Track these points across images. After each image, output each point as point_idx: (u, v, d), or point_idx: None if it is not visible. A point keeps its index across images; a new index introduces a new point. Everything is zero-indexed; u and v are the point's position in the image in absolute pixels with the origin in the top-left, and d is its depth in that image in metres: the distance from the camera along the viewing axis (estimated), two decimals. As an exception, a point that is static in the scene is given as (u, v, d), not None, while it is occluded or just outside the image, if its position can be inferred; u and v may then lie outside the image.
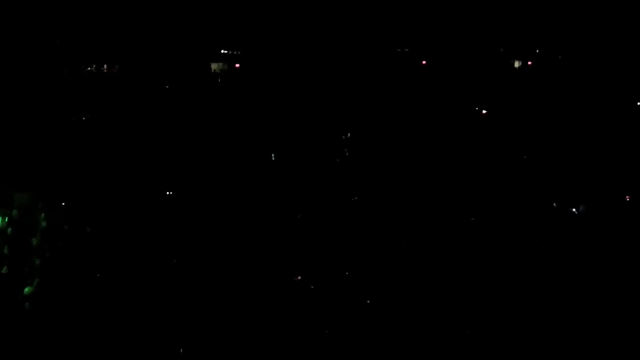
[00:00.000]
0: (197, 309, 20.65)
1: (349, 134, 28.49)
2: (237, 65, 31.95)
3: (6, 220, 26.69)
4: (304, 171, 27.71)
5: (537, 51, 29.29)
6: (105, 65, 31.19)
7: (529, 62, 29.54)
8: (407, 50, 29.77)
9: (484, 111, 28.15)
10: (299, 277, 21.81)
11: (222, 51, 31.49)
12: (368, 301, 20.70)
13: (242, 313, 20.57)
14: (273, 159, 28.64)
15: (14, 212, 27.05)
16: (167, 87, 30.93)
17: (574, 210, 25.45)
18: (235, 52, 31.69)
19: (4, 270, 23.06)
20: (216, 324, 20.21)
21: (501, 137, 27.48)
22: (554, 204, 25.45)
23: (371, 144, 27.99)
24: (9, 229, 25.90)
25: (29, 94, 29.57)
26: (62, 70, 29.98)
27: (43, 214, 26.52)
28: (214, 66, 31.95)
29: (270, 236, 23.90)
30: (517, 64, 29.56)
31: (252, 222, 24.93)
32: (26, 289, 21.38)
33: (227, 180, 27.79)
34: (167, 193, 27.49)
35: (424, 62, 29.72)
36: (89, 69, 31.33)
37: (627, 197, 24.88)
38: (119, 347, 18.71)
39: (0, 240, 24.98)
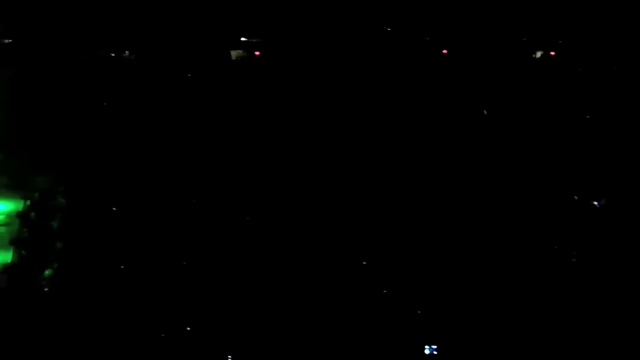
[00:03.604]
0: (209, 292, 20.80)
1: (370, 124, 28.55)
2: (257, 52, 32.09)
3: (28, 203, 27.24)
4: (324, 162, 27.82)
5: (560, 42, 29.25)
6: (126, 52, 31.54)
7: (552, 53, 29.48)
8: (428, 39, 29.80)
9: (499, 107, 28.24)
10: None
11: (242, 39, 31.67)
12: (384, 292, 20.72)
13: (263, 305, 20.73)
14: (291, 148, 28.77)
15: (35, 195, 27.57)
16: (188, 75, 31.24)
17: (595, 203, 25.54)
18: (255, 40, 31.83)
19: (27, 253, 23.42)
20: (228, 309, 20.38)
21: (526, 132, 27.56)
22: (575, 197, 25.54)
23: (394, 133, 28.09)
24: (31, 213, 26.42)
25: (49, 80, 30.00)
26: (82, 56, 30.36)
27: (63, 198, 27.00)
28: (234, 53, 32.14)
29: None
30: (538, 54, 29.49)
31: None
32: (46, 272, 21.68)
33: (244, 168, 27.99)
34: (185, 179, 27.76)
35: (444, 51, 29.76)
36: (111, 54, 31.69)
37: None
38: (133, 331, 18.98)
39: (22, 223, 25.49)
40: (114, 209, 25.32)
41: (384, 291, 21.12)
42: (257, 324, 19.99)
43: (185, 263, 21.89)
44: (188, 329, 19.25)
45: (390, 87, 29.06)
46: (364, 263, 22.25)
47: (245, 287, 21.09)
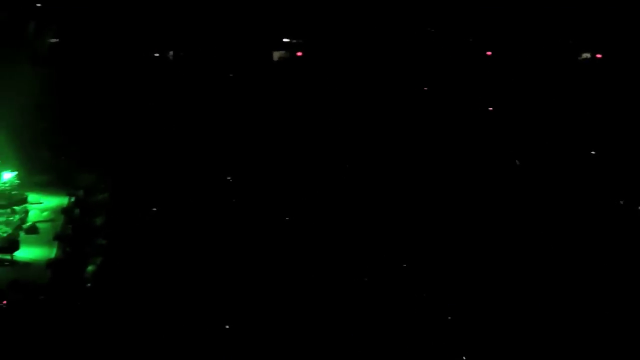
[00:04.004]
0: (249, 290, 20.87)
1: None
2: (299, 53, 32.25)
3: (72, 200, 27.67)
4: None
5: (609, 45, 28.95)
6: (170, 53, 31.95)
7: (598, 55, 29.18)
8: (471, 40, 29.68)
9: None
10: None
11: (285, 39, 31.86)
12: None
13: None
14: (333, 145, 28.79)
15: (80, 192, 27.99)
16: (230, 75, 31.52)
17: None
18: (297, 41, 31.98)
19: (70, 248, 23.71)
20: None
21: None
22: (621, 202, 25.34)
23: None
24: (75, 209, 26.83)
25: (94, 79, 30.47)
26: (128, 57, 30.79)
27: (107, 195, 27.36)
28: (277, 54, 32.32)
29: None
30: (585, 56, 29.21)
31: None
32: (89, 268, 21.91)
33: (289, 166, 28.09)
34: (228, 178, 27.95)
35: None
36: (156, 55, 32.12)
37: None
38: (172, 326, 19.12)
39: (66, 220, 25.87)
40: (154, 209, 25.49)
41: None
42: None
43: (224, 261, 21.96)
44: (227, 327, 19.32)
45: (436, 88, 29.05)
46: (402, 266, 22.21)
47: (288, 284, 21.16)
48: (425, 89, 29.39)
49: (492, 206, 25.69)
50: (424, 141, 28.15)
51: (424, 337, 19.00)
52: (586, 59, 28.76)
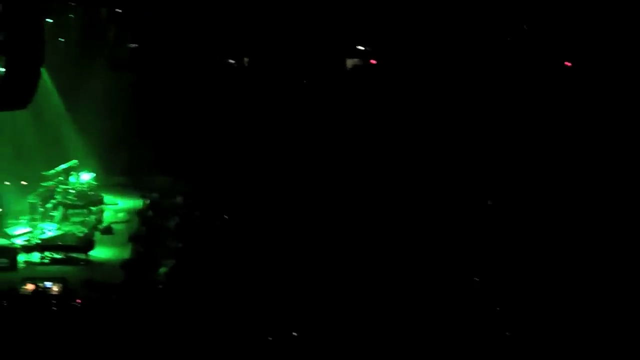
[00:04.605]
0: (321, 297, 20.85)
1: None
2: (373, 61, 32.13)
3: (147, 202, 28.18)
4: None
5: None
6: (245, 59, 32.21)
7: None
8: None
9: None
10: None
11: (358, 47, 31.78)
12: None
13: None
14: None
15: (155, 194, 28.49)
16: (304, 81, 31.60)
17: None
18: (370, 49, 31.88)
19: (144, 250, 24.09)
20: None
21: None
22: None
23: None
24: (150, 212, 27.31)
25: (170, 84, 30.93)
26: (203, 62, 31.18)
27: (181, 198, 27.77)
28: (350, 62, 32.26)
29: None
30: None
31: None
32: (161, 269, 22.24)
33: (362, 174, 28.02)
34: (301, 185, 27.98)
35: None
36: (231, 61, 32.44)
37: None
38: (241, 333, 19.23)
39: (140, 221, 26.33)
40: (226, 216, 25.64)
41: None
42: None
43: (295, 267, 21.95)
44: (295, 334, 19.29)
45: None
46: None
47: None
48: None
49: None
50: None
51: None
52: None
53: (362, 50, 31.65)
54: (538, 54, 28.91)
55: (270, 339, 18.72)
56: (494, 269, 21.75)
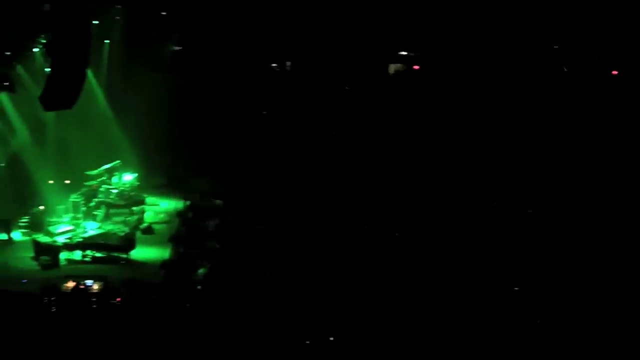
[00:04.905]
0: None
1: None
2: (416, 67, 31.99)
3: (187, 203, 28.36)
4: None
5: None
6: (287, 63, 32.27)
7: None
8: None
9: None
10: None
11: (401, 52, 31.65)
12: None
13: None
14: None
15: (195, 196, 28.62)
16: (346, 87, 31.55)
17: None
18: (414, 54, 31.73)
19: (184, 250, 24.24)
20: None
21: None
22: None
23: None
24: (189, 213, 27.48)
25: (212, 87, 31.11)
26: (245, 66, 31.30)
27: (221, 200, 27.90)
28: (392, 67, 32.15)
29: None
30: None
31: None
32: (200, 270, 22.35)
33: (405, 177, 27.91)
34: (341, 191, 27.92)
35: None
36: (273, 65, 32.54)
37: None
38: (280, 335, 19.24)
39: (180, 222, 26.50)
40: (268, 216, 25.66)
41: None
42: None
43: (335, 272, 21.88)
44: (331, 339, 19.22)
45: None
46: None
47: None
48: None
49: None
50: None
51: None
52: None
53: (405, 55, 31.51)
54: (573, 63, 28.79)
55: (308, 342, 18.73)
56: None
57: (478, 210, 25.65)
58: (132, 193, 27.92)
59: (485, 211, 25.57)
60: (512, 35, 28.54)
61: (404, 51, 31.50)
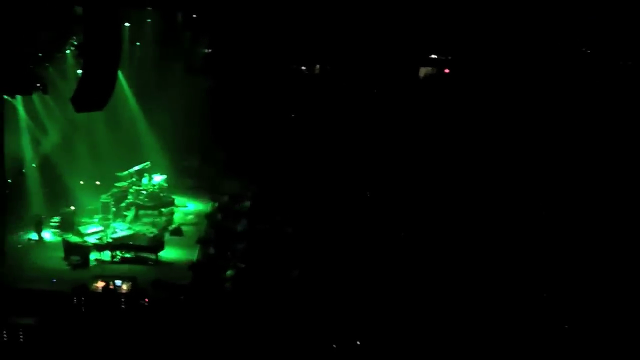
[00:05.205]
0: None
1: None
2: (447, 70, 31.85)
3: (216, 205, 28.45)
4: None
5: None
6: (317, 66, 32.29)
7: None
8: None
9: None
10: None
11: (432, 56, 31.52)
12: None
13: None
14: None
15: (224, 198, 28.74)
16: (375, 90, 31.48)
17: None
18: (445, 57, 31.58)
19: (212, 252, 24.32)
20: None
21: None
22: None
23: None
24: (218, 215, 27.56)
25: (243, 90, 31.20)
26: (275, 69, 31.34)
27: (250, 203, 27.95)
28: (423, 70, 32.03)
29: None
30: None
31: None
32: (228, 272, 22.37)
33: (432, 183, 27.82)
34: (367, 193, 27.88)
35: None
36: (303, 68, 32.57)
37: None
38: (305, 337, 19.21)
39: (208, 224, 26.58)
40: (297, 220, 25.64)
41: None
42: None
43: (365, 276, 21.82)
44: (358, 343, 19.16)
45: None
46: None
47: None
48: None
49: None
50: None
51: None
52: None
53: (435, 59, 31.38)
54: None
55: (334, 346, 18.69)
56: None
57: (512, 212, 25.49)
58: (162, 194, 28.02)
59: (520, 215, 25.39)
60: (542, 39, 28.31)
61: (435, 54, 31.34)
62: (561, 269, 21.83)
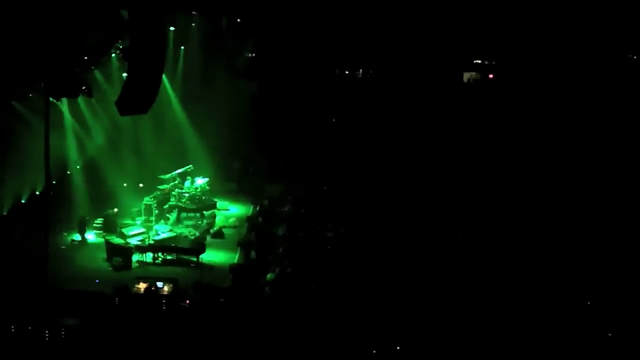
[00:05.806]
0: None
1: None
2: (491, 75, 31.63)
3: (257, 209, 28.53)
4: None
5: None
6: (360, 70, 32.27)
7: None
8: None
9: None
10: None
11: (476, 61, 31.32)
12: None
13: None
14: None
15: (265, 202, 28.83)
16: (417, 95, 31.33)
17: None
18: (490, 63, 31.37)
19: (252, 255, 24.38)
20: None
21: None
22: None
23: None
24: (259, 218, 27.63)
25: (283, 95, 31.30)
26: (319, 73, 31.38)
27: (291, 207, 27.97)
28: (467, 75, 31.86)
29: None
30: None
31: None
32: (268, 275, 22.37)
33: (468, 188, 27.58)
34: (410, 199, 27.70)
35: None
36: (346, 72, 32.58)
37: None
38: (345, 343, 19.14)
39: (249, 227, 26.65)
40: (341, 229, 25.54)
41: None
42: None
43: (403, 279, 21.70)
44: (398, 348, 19.02)
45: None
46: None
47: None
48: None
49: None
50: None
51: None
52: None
53: (479, 64, 31.18)
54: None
55: (374, 351, 18.59)
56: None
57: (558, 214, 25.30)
58: (204, 197, 28.18)
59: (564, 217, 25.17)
60: (588, 46, 27.98)
61: (479, 59, 31.13)
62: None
